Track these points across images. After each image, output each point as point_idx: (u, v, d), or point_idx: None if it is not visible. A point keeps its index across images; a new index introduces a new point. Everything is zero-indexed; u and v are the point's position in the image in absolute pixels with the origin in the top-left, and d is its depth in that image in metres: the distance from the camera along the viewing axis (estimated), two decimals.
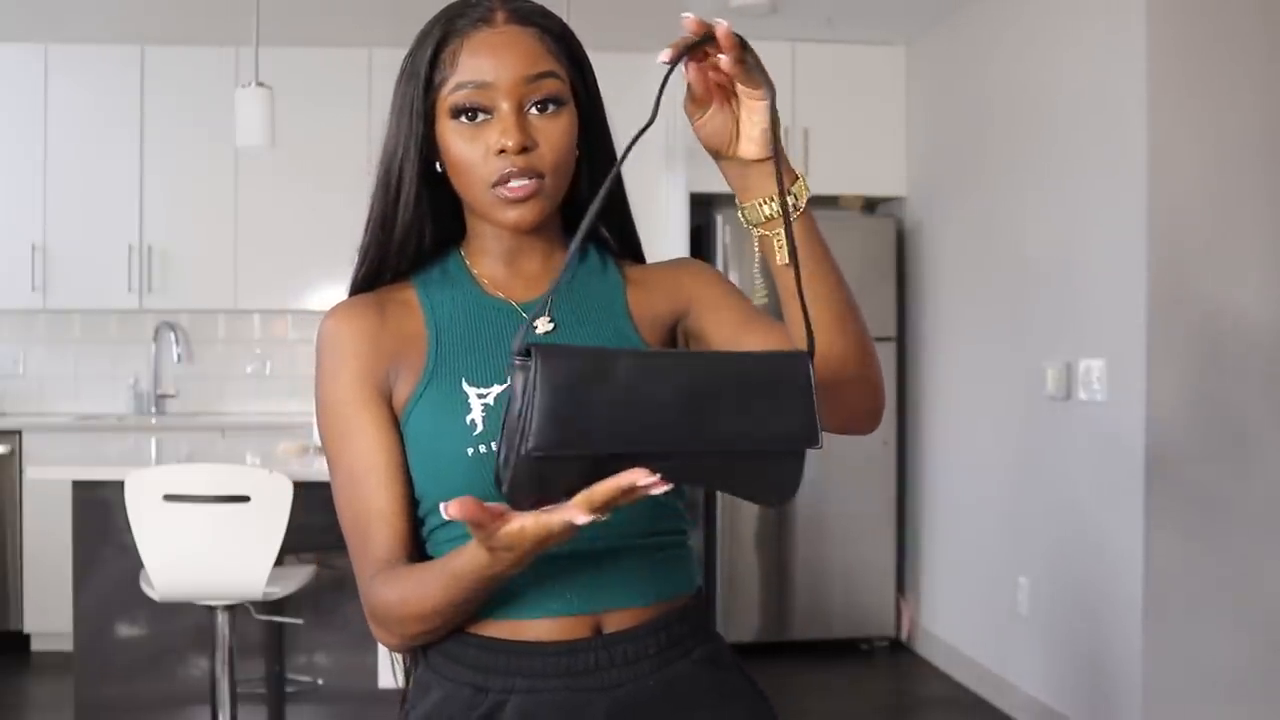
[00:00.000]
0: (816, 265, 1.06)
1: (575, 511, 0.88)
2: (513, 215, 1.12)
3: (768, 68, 1.05)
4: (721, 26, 0.98)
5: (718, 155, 1.06)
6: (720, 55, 0.99)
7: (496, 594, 1.09)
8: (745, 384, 0.92)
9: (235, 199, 5.18)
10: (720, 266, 4.82)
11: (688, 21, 0.99)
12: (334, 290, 5.24)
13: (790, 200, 1.03)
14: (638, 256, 1.28)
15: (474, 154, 1.11)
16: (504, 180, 1.10)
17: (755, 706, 1.20)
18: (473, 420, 1.10)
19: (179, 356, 5.42)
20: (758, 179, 1.05)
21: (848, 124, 4.96)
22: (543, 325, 1.16)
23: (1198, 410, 3.27)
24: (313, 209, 5.18)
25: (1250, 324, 3.28)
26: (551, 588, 1.10)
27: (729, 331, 1.19)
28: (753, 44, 1.06)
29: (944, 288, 4.70)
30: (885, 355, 4.92)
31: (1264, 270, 3.29)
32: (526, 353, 0.88)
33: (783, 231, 1.03)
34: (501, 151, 1.09)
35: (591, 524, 1.02)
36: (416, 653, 1.18)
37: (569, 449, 0.87)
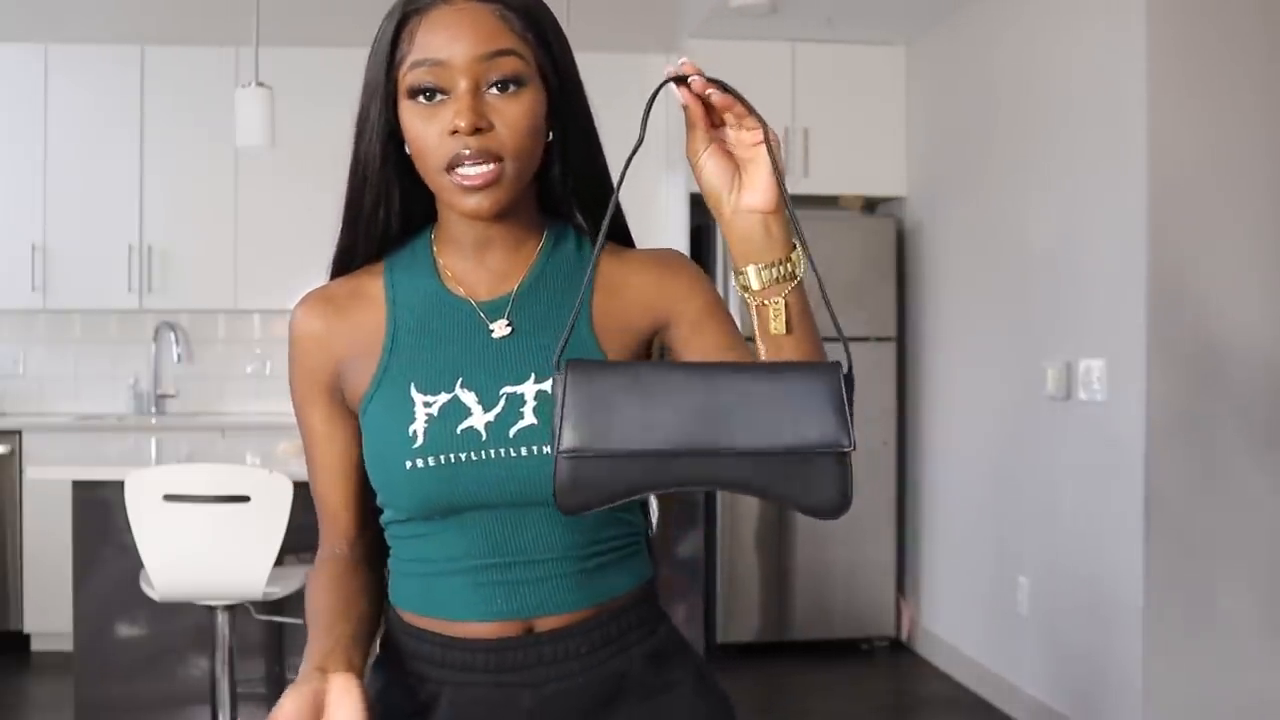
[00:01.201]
0: (805, 342, 1.05)
1: None
2: (470, 203, 1.08)
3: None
4: (698, 80, 0.97)
5: (719, 208, 1.03)
6: (709, 92, 0.98)
7: (433, 595, 1.14)
8: (774, 390, 0.95)
9: (235, 199, 5.18)
10: (719, 267, 4.82)
11: (685, 66, 0.99)
12: None
13: (788, 268, 1.02)
14: (621, 236, 1.22)
15: (429, 135, 1.07)
16: (457, 163, 1.06)
17: (695, 694, 1.19)
18: (414, 431, 1.10)
19: (179, 356, 5.42)
20: (759, 242, 1.02)
21: (848, 124, 4.96)
22: (500, 329, 1.13)
23: (1197, 410, 3.27)
24: (313, 209, 5.14)
25: (1250, 324, 3.28)
26: (483, 593, 1.12)
27: (706, 355, 1.15)
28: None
29: (944, 288, 4.70)
30: (885, 355, 4.93)
31: (1264, 270, 3.29)
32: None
33: (781, 301, 1.02)
34: (454, 133, 1.05)
35: (521, 543, 1.11)
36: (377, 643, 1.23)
37: (598, 446, 0.93)
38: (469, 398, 1.11)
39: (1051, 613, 3.81)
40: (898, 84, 5.02)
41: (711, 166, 1.02)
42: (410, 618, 1.16)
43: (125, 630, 3.42)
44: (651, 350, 1.18)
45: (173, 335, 5.40)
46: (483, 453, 1.09)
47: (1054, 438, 3.77)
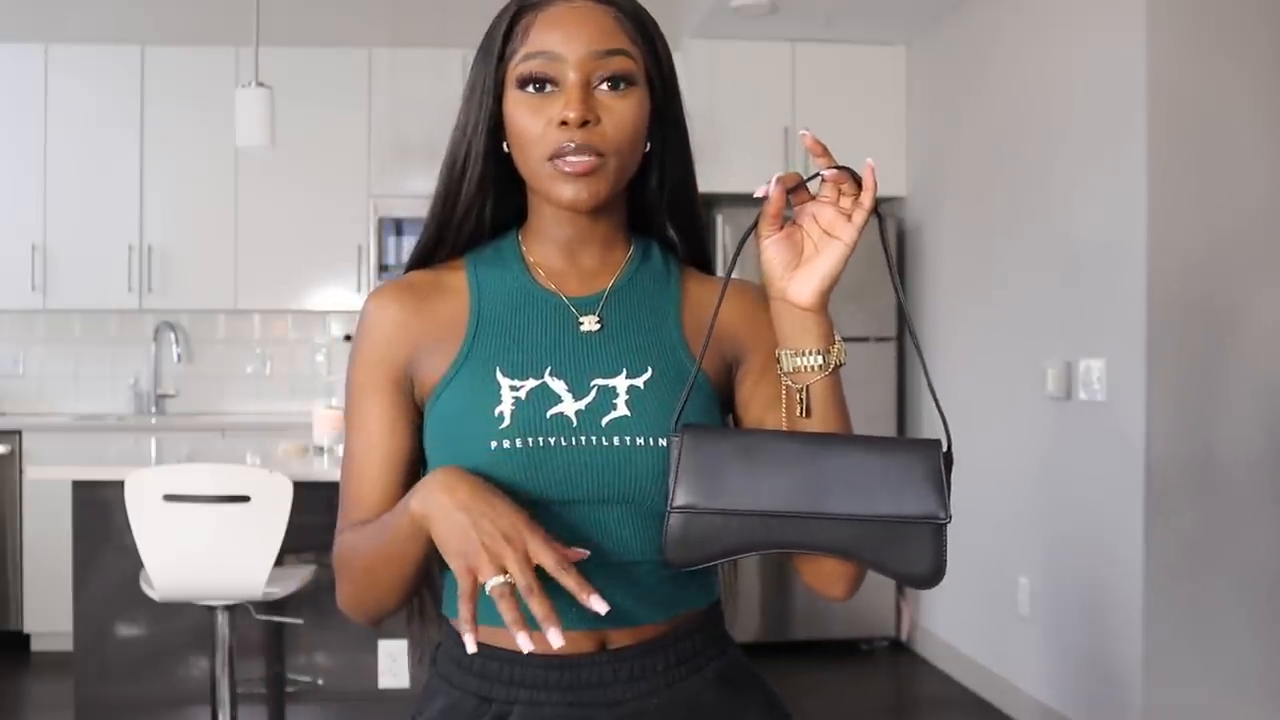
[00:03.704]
0: (829, 430, 1.08)
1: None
2: (569, 192, 1.08)
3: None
4: (869, 164, 1.04)
5: (769, 288, 1.07)
6: (824, 182, 1.05)
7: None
8: (876, 462, 1.02)
9: (235, 199, 5.18)
10: (720, 267, 4.82)
11: (807, 139, 1.04)
12: (334, 290, 5.25)
13: (819, 359, 1.06)
14: (704, 258, 1.24)
15: (535, 126, 1.07)
16: (561, 153, 1.06)
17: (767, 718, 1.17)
18: (501, 413, 1.07)
19: (179, 356, 5.42)
20: (797, 329, 1.06)
21: (848, 124, 4.96)
22: (589, 324, 1.12)
23: (1198, 409, 3.27)
24: (313, 209, 5.18)
25: (1250, 323, 3.28)
26: (558, 599, 1.06)
27: (761, 409, 1.15)
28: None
29: (944, 288, 4.70)
30: (885, 355, 4.93)
31: (1264, 269, 3.29)
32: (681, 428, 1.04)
33: (807, 389, 1.07)
34: (562, 124, 1.06)
35: (590, 541, 1.07)
36: (430, 658, 1.19)
37: (708, 505, 1.01)
38: (559, 385, 1.09)
39: (1051, 613, 3.81)
40: (898, 84, 5.02)
41: (773, 252, 1.06)
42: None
43: (125, 630, 3.42)
44: (731, 375, 1.17)
45: (173, 335, 5.40)
46: (573, 439, 1.07)
47: (1054, 438, 3.77)
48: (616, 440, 1.07)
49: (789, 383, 1.07)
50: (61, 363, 5.41)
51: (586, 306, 1.14)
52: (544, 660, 1.08)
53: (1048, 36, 3.86)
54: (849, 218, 1.05)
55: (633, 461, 1.07)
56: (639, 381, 1.10)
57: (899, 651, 4.95)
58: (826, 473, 1.01)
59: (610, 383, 1.10)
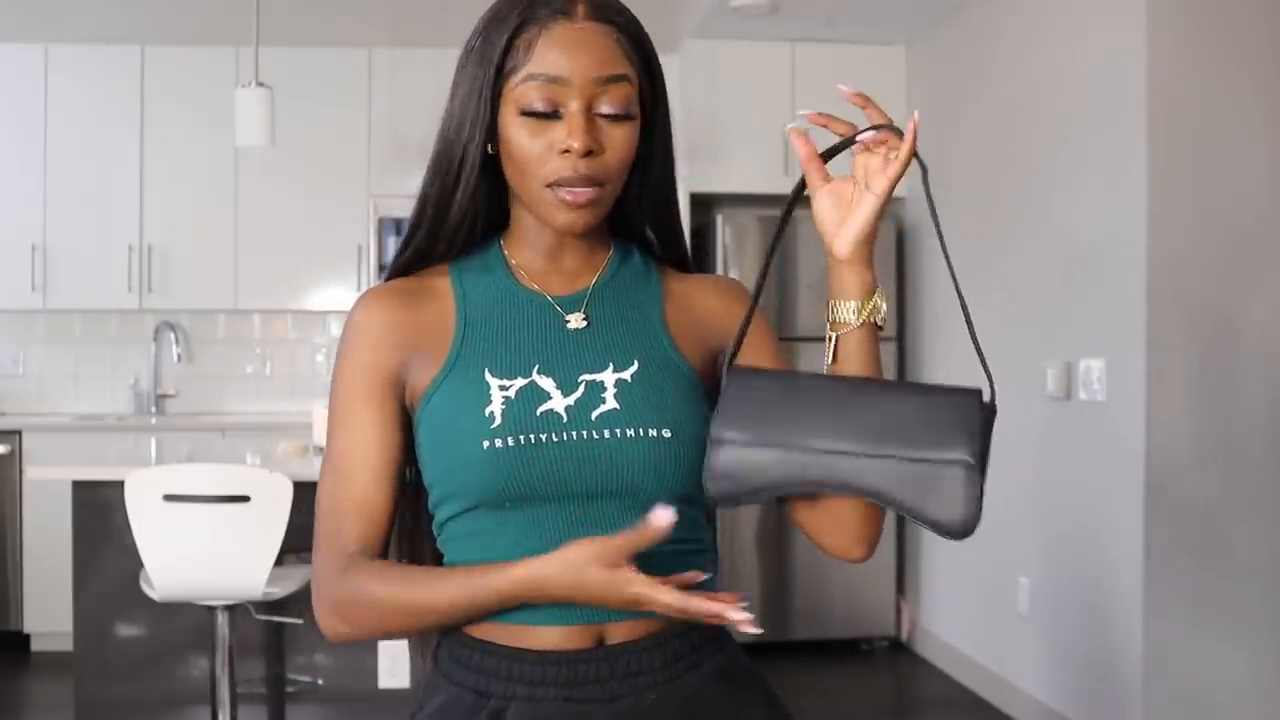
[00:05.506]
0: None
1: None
2: (565, 219, 1.10)
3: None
4: (913, 120, 1.07)
5: (824, 244, 1.12)
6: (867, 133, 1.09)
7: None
8: (915, 405, 1.04)
9: (235, 199, 5.19)
10: (720, 266, 4.82)
11: (851, 94, 1.08)
12: (334, 290, 5.25)
13: (854, 313, 1.10)
14: (681, 258, 1.25)
15: (536, 149, 1.08)
16: (563, 182, 1.08)
17: (767, 716, 1.17)
18: (491, 413, 1.08)
19: (179, 356, 5.42)
20: (838, 280, 1.11)
21: None
22: (575, 321, 1.14)
23: (1198, 409, 3.27)
24: (313, 209, 5.19)
25: (1250, 323, 3.28)
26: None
27: None
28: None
29: (944, 287, 4.70)
30: (886, 355, 4.91)
31: (1264, 269, 3.29)
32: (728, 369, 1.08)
33: (837, 338, 1.11)
34: (565, 151, 1.07)
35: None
36: (429, 655, 1.19)
37: (747, 439, 1.03)
38: (547, 383, 1.10)
39: (1051, 613, 3.82)
40: (898, 84, 5.02)
41: (825, 208, 1.11)
42: (469, 628, 1.12)
43: (125, 630, 3.42)
44: (716, 365, 1.18)
45: (173, 335, 5.40)
46: (564, 434, 1.08)
47: (1054, 438, 3.77)
48: (607, 433, 1.08)
49: (830, 332, 1.11)
50: (61, 363, 5.41)
51: (571, 304, 1.15)
52: (541, 656, 1.09)
53: (1048, 37, 3.86)
54: (884, 170, 1.08)
55: (624, 453, 1.08)
56: (626, 375, 1.12)
57: (899, 651, 4.95)
58: (867, 414, 1.03)
59: (597, 377, 1.11)
